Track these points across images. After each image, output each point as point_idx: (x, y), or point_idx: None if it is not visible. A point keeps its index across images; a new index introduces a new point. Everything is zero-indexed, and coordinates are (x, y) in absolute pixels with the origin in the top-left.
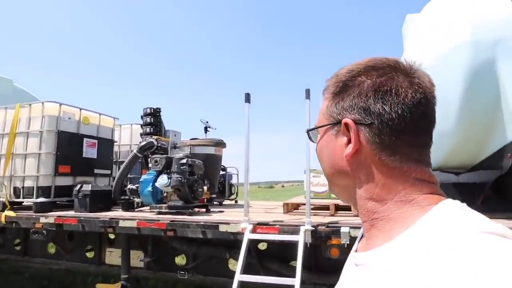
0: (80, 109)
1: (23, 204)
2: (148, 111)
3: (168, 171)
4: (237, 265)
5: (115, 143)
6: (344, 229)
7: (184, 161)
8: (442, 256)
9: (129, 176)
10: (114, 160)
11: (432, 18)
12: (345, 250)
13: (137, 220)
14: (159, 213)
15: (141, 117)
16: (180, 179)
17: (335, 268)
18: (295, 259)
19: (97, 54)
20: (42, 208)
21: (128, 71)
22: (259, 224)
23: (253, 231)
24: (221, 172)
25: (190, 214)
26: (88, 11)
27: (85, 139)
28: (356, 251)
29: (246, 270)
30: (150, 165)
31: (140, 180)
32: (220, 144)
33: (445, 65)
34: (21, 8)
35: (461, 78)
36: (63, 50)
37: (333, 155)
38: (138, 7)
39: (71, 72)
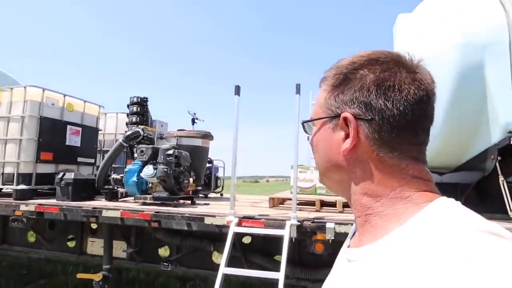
0: (64, 95)
1: (2, 191)
2: (135, 100)
3: (154, 161)
4: (221, 258)
5: (99, 132)
6: (329, 225)
7: (170, 152)
8: (437, 254)
9: (113, 165)
10: (98, 149)
11: (423, 19)
12: (330, 246)
13: (121, 210)
14: (144, 204)
15: (128, 106)
16: (166, 170)
17: (319, 263)
18: (279, 253)
19: (83, 42)
20: (22, 196)
21: (115, 60)
22: (245, 217)
23: (239, 224)
24: (208, 165)
25: (175, 206)
26: None
27: (68, 126)
28: (348, 246)
29: (230, 263)
30: (135, 155)
31: (125, 170)
32: (207, 136)
33: (433, 67)
34: None
35: (448, 80)
36: (49, 37)
37: (329, 149)
38: None
39: (55, 60)
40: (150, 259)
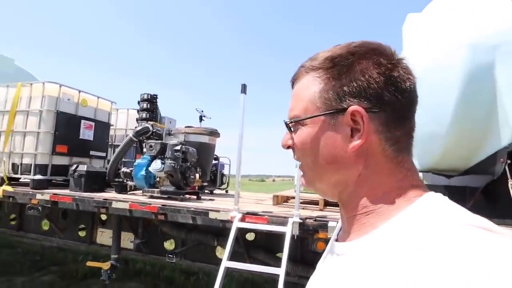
0: (79, 91)
1: (20, 180)
2: (145, 97)
3: (162, 156)
4: (224, 253)
5: (111, 127)
6: (331, 224)
7: (178, 147)
8: (426, 248)
9: (123, 159)
10: (109, 143)
11: (433, 19)
12: None
13: (130, 202)
14: (151, 197)
15: (138, 102)
16: (173, 165)
17: None
18: (281, 251)
19: (96, 39)
20: (38, 185)
21: (126, 58)
22: (248, 213)
23: (242, 220)
24: (214, 162)
25: (181, 200)
26: None
27: (82, 121)
28: (337, 240)
29: (233, 258)
30: (144, 149)
31: (134, 164)
32: (214, 133)
33: (442, 67)
34: None
35: (458, 81)
36: (64, 33)
37: (332, 148)
38: None
39: (70, 55)
40: (156, 251)
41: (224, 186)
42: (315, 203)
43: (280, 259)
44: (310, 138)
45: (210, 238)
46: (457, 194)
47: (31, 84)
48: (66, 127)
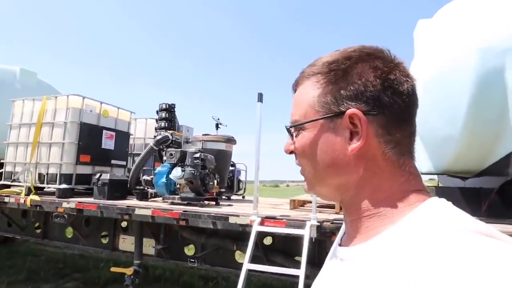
0: (101, 103)
1: (44, 189)
2: (164, 106)
3: (182, 164)
4: (243, 257)
5: (130, 136)
6: None
7: (197, 155)
8: (430, 255)
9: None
10: (129, 152)
11: (444, 24)
12: None
13: (152, 209)
14: (172, 203)
15: (157, 112)
16: (193, 172)
17: None
18: (299, 254)
19: (115, 50)
20: (64, 194)
21: (143, 69)
22: (267, 217)
23: (261, 224)
24: (231, 168)
25: (201, 206)
26: (107, 5)
27: (104, 131)
28: (340, 245)
29: (252, 262)
30: (164, 157)
31: (155, 171)
32: (231, 140)
33: (454, 71)
34: (39, 3)
35: (470, 84)
36: (83, 46)
37: (332, 152)
38: (157, 3)
39: (89, 67)
40: (176, 257)
41: (240, 192)
42: (331, 206)
43: (298, 262)
44: (310, 142)
45: (229, 243)
46: (472, 196)
47: (56, 97)
48: (88, 137)
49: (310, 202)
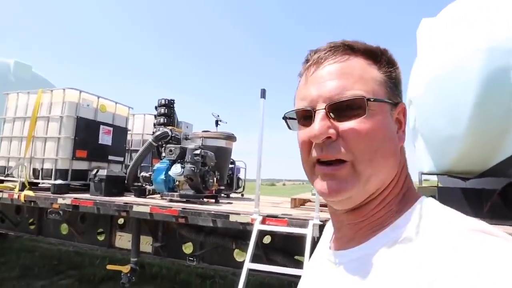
0: (98, 97)
1: (39, 185)
2: (163, 102)
3: (182, 160)
4: (242, 255)
5: (128, 132)
6: None
7: (197, 151)
8: (437, 254)
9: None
10: (126, 148)
11: (448, 23)
12: None
13: (150, 206)
14: (171, 200)
15: (156, 107)
16: (193, 169)
17: None
18: (298, 253)
19: (112, 46)
20: (59, 190)
21: (141, 64)
22: (269, 216)
23: (263, 222)
24: (230, 166)
25: (201, 203)
26: (106, 1)
27: (101, 126)
28: (330, 248)
29: (252, 261)
30: (163, 154)
31: (154, 168)
32: (231, 137)
33: (459, 71)
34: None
35: (475, 84)
36: (79, 40)
37: (393, 138)
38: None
39: (85, 62)
40: (174, 255)
41: (240, 189)
42: None
43: (297, 261)
44: (380, 126)
45: (229, 241)
46: (474, 197)
47: (52, 90)
48: (85, 132)
49: (311, 201)
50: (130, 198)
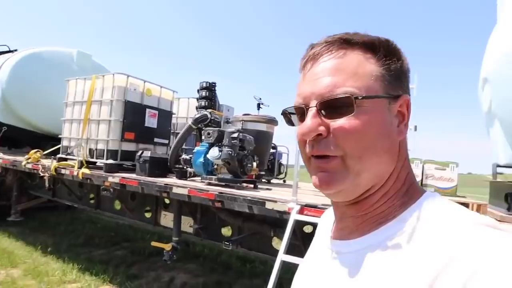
0: (144, 82)
1: (96, 164)
2: (204, 85)
3: (220, 144)
4: (280, 244)
5: (173, 115)
6: None
7: (235, 135)
8: (442, 247)
9: (184, 147)
10: (171, 131)
11: None
12: None
13: (188, 188)
14: (209, 184)
15: (197, 90)
16: (230, 152)
17: None
18: None
19: (162, 36)
20: (110, 169)
21: (187, 50)
22: (307, 206)
23: (300, 212)
24: (272, 150)
25: (238, 188)
26: None
27: (147, 110)
28: (331, 238)
29: (289, 251)
30: (203, 137)
31: (193, 151)
32: (272, 121)
33: None
34: None
35: None
36: (133, 31)
37: (389, 136)
38: None
39: (139, 52)
40: (213, 237)
41: (281, 176)
42: None
43: None
44: (371, 122)
45: (267, 228)
46: None
47: (103, 76)
48: (133, 115)
49: None
50: (171, 180)
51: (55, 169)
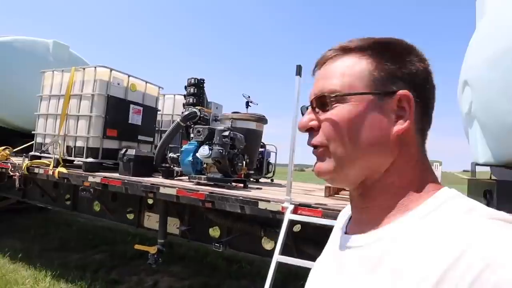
0: (128, 76)
1: (74, 162)
2: (192, 81)
3: (210, 142)
4: (270, 244)
5: (158, 112)
6: None
7: (226, 133)
8: (455, 240)
9: (169, 145)
10: (156, 129)
11: None
12: None
13: (177, 188)
14: (198, 183)
15: (185, 87)
16: (221, 151)
17: None
18: None
19: (145, 27)
20: (90, 168)
21: (173, 45)
22: (301, 205)
23: (294, 212)
24: (260, 149)
25: (229, 188)
26: None
27: (131, 106)
28: (346, 233)
29: (282, 250)
30: (192, 135)
31: (181, 149)
32: (261, 120)
33: None
34: None
35: None
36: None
37: (378, 129)
38: None
39: (120, 43)
40: (201, 238)
41: (270, 174)
42: None
43: None
44: (353, 116)
45: (257, 228)
46: None
47: (84, 68)
48: (116, 111)
49: (345, 189)
50: (157, 179)
51: (27, 168)
